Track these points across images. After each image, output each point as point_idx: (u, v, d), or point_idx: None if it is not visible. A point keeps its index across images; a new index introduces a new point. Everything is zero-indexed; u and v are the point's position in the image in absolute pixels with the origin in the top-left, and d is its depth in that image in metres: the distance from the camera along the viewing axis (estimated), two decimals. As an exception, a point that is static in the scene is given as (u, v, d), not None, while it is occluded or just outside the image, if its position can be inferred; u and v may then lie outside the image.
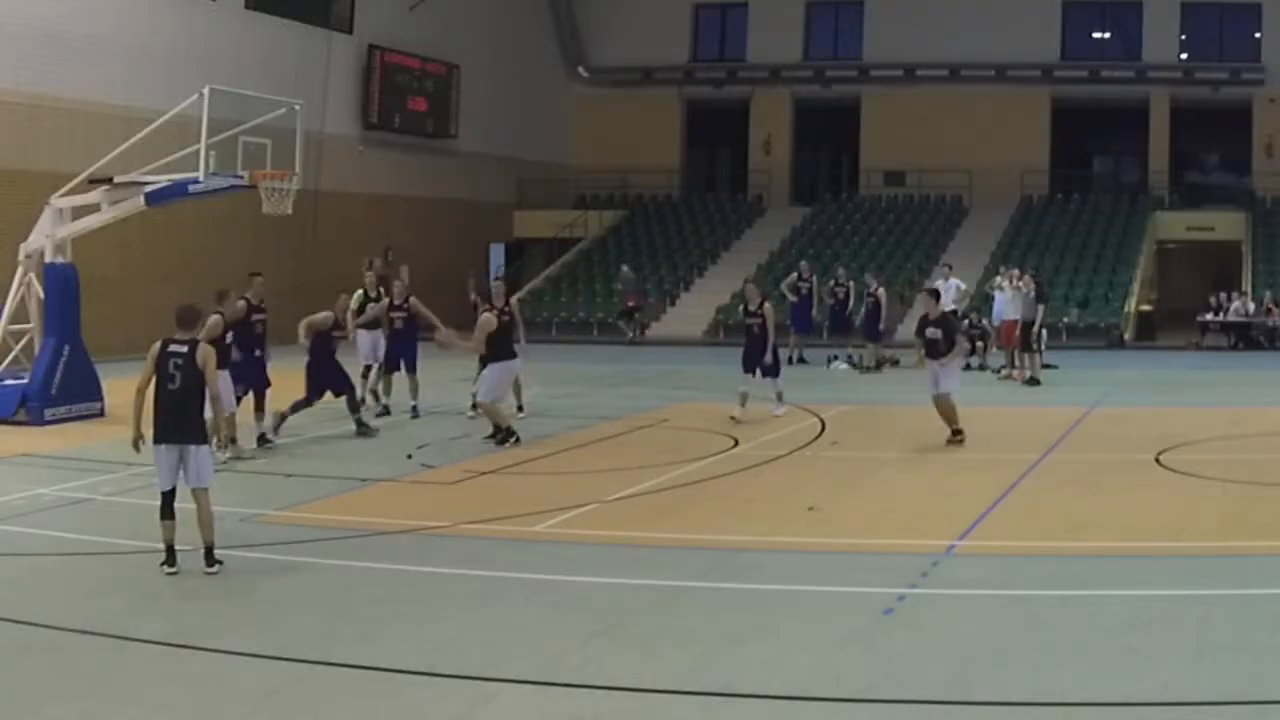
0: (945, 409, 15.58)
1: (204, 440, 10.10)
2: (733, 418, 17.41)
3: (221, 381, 14.33)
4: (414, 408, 18.38)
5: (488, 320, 16.47)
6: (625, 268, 35.13)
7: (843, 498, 12.91)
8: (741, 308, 19.50)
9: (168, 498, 9.96)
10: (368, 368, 18.98)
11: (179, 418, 9.93)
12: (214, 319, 15.18)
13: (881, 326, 25.91)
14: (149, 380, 10.07)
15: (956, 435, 15.52)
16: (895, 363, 26.01)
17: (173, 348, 10.04)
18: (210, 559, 9.94)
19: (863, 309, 26.35)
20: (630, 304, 33.58)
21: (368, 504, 12.70)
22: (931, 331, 15.77)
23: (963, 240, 37.35)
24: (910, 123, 39.68)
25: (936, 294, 16.69)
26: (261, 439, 15.60)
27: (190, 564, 10.04)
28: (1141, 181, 40.31)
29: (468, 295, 21.88)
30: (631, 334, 33.21)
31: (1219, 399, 20.81)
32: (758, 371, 17.95)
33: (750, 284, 19.90)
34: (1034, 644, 8.02)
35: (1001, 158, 38.79)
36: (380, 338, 18.94)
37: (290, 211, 18.82)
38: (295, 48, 31.86)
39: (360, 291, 19.26)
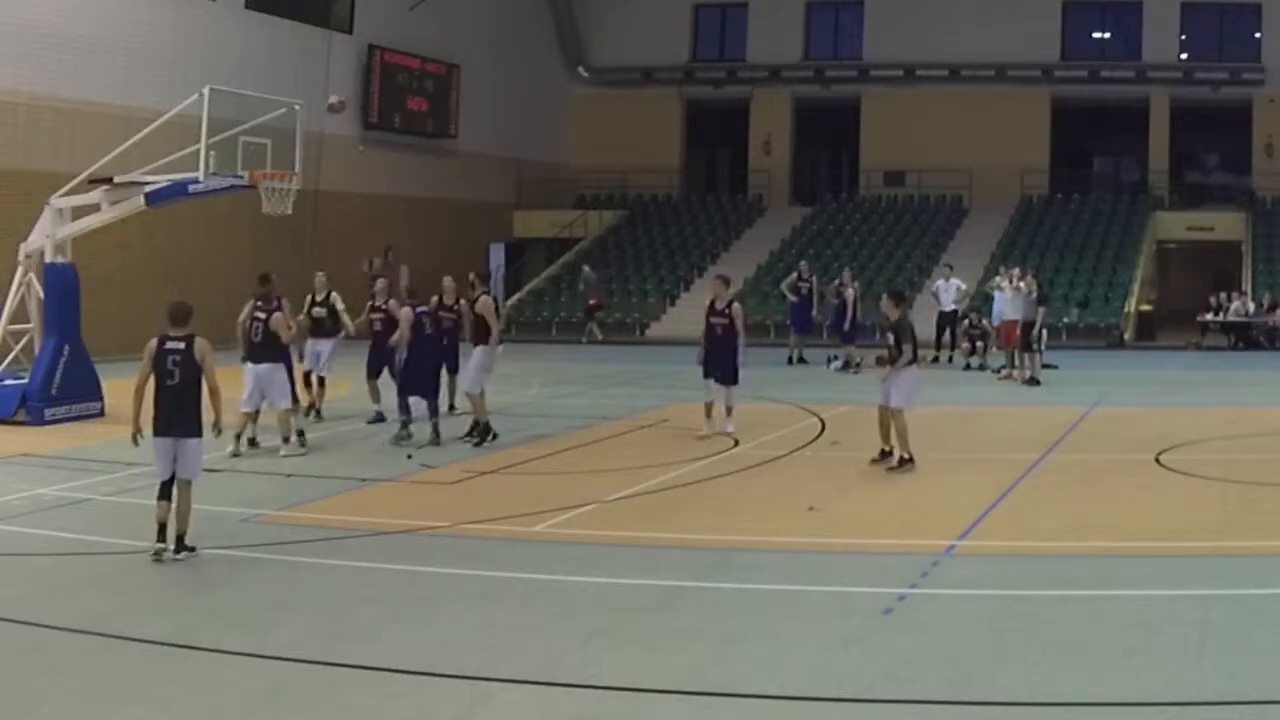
0: (896, 426, 14.08)
1: (198, 434, 10.37)
2: (701, 437, 15.99)
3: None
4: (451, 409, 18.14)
5: (487, 302, 16.36)
6: (586, 268, 35.46)
7: (843, 498, 12.91)
8: (707, 305, 16.97)
9: (165, 485, 10.31)
10: (308, 374, 17.95)
11: (177, 413, 10.27)
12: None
13: (846, 326, 25.95)
14: (146, 378, 10.35)
15: (892, 458, 14.05)
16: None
17: (169, 344, 10.34)
18: (180, 546, 10.22)
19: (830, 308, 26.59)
20: (592, 302, 33.85)
21: (368, 504, 12.70)
22: (888, 337, 14.62)
23: (963, 240, 37.36)
24: (910, 123, 39.71)
25: (899, 296, 15.11)
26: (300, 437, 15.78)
27: (188, 564, 10.09)
28: (1141, 181, 40.35)
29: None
30: (590, 335, 33.35)
31: (1219, 399, 20.82)
32: (719, 378, 16.32)
33: (718, 279, 17.61)
34: (1034, 644, 8.02)
35: (1001, 158, 38.81)
36: (329, 345, 17.97)
37: (290, 211, 18.79)
38: (295, 48, 31.86)
39: (309, 296, 18.33)
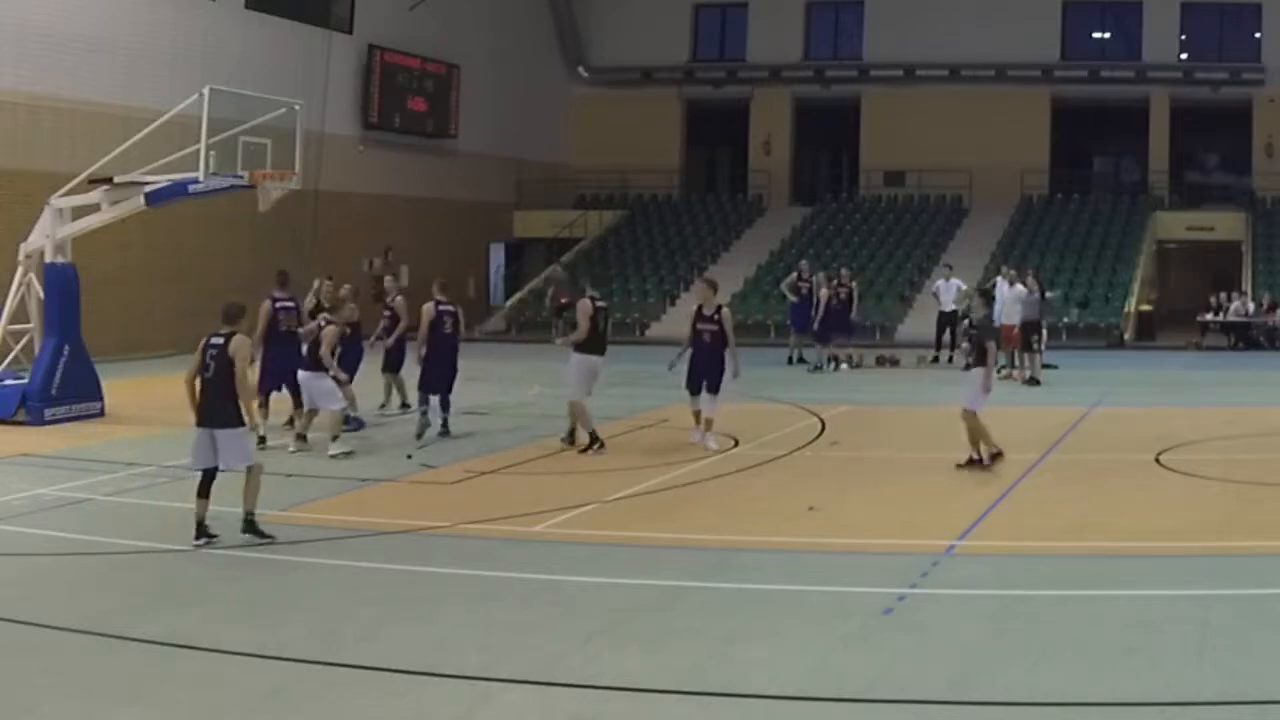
0: (968, 427, 14.02)
1: (234, 425, 10.77)
2: (696, 442, 15.69)
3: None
4: (382, 407, 18.04)
5: (586, 306, 16.11)
6: (557, 267, 35.48)
7: (843, 498, 12.91)
8: (694, 311, 16.32)
9: (205, 476, 10.76)
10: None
11: (213, 405, 10.78)
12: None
13: (815, 325, 26.01)
14: (196, 372, 10.91)
15: (972, 461, 13.96)
16: (896, 362, 26.21)
17: (213, 340, 10.92)
18: (248, 525, 10.75)
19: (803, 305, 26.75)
20: (563, 301, 33.83)
21: (368, 504, 12.70)
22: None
23: (963, 240, 37.33)
24: (910, 123, 39.66)
25: (987, 295, 14.56)
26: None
27: (188, 564, 10.07)
28: (1141, 181, 40.31)
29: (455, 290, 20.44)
30: (560, 333, 33.40)
31: (1219, 399, 20.81)
32: (704, 387, 15.72)
33: (706, 284, 16.88)
34: (1034, 644, 8.02)
35: (1001, 158, 38.78)
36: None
37: (267, 208, 18.80)
38: (295, 48, 31.84)
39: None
